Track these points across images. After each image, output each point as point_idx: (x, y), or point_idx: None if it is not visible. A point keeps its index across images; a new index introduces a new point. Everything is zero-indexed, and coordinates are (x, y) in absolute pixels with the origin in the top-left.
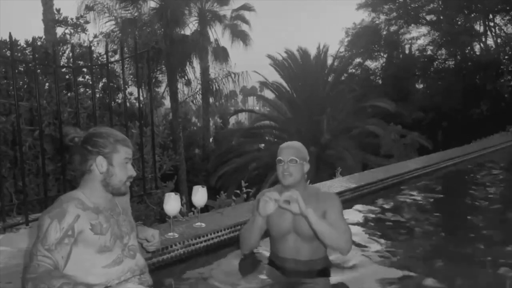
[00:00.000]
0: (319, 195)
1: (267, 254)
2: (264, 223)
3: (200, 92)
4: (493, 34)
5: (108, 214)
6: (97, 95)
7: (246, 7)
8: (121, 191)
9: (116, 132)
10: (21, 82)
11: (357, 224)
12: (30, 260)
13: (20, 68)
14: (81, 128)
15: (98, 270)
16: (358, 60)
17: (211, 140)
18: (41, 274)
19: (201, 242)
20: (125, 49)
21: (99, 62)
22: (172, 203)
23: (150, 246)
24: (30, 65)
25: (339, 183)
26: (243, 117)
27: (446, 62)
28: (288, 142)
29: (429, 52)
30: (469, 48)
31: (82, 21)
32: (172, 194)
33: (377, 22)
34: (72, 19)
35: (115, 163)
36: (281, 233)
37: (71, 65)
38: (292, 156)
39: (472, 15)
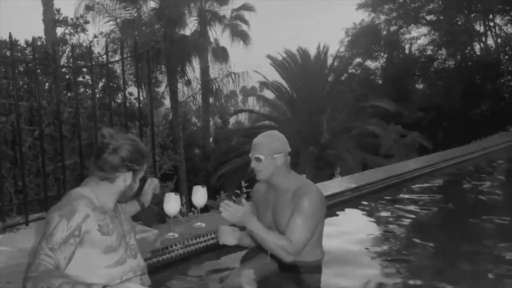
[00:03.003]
0: (299, 189)
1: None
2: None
3: (200, 92)
4: (493, 34)
5: (112, 214)
6: (97, 95)
7: (246, 7)
8: (128, 200)
9: (146, 148)
10: (21, 82)
11: (356, 224)
12: (34, 258)
13: (20, 68)
14: (81, 128)
15: (101, 270)
16: (358, 60)
17: (211, 140)
18: (41, 273)
19: (201, 242)
20: (125, 49)
21: (99, 62)
22: (172, 203)
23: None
24: (30, 65)
25: (339, 183)
26: (243, 117)
27: (446, 62)
28: (259, 136)
29: (429, 52)
30: (469, 48)
31: (82, 21)
32: (172, 194)
33: (377, 22)
34: (72, 19)
35: (137, 180)
36: (265, 226)
37: (71, 65)
38: (256, 153)
39: (472, 15)
